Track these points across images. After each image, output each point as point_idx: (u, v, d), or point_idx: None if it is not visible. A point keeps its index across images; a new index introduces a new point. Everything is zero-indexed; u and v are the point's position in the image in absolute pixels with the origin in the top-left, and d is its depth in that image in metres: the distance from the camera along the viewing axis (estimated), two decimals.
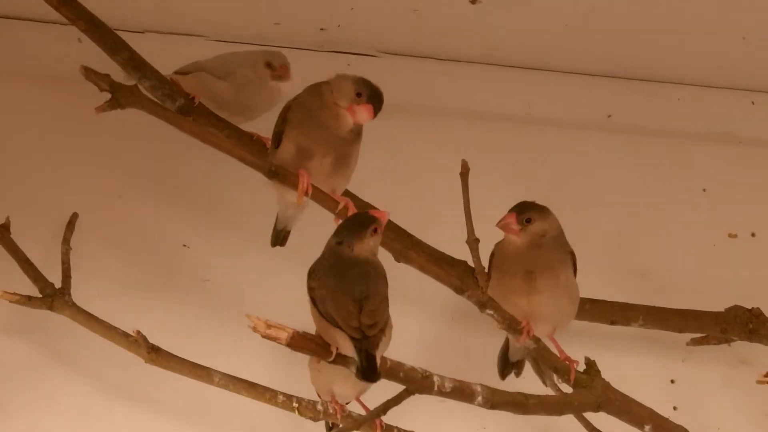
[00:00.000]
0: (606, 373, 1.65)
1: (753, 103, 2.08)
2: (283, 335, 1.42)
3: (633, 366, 1.91)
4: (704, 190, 2.06)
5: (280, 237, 1.72)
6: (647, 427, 1.66)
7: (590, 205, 1.97)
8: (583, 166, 2.03)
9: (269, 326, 1.41)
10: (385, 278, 1.50)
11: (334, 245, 1.50)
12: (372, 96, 1.57)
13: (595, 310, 1.82)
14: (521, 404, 1.57)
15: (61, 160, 1.86)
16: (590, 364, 1.65)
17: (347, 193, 1.67)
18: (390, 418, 1.58)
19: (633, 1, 1.78)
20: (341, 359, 1.46)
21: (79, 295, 1.72)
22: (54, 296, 1.71)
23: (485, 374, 1.71)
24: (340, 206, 1.61)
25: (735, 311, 1.86)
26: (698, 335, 1.89)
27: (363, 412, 1.64)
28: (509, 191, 1.95)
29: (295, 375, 1.70)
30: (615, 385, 1.65)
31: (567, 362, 1.64)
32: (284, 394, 1.65)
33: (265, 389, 1.66)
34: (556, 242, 1.66)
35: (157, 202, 1.88)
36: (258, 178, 1.59)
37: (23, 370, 1.78)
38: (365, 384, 1.60)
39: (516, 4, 1.79)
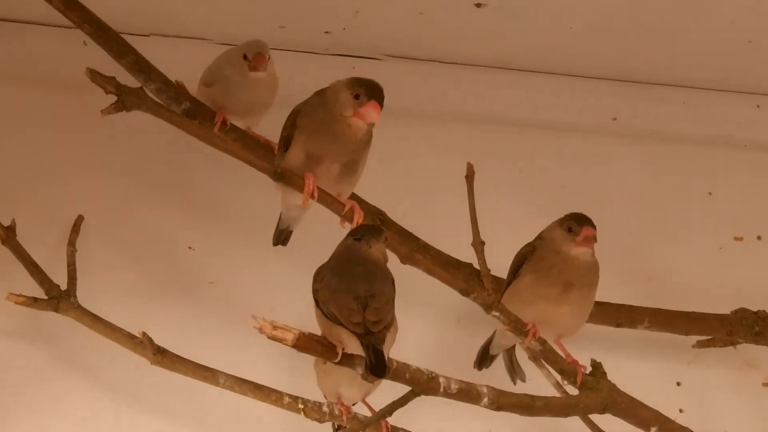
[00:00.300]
0: (612, 376, 1.64)
1: (759, 106, 2.07)
2: (289, 336, 1.42)
3: (639, 368, 1.90)
4: (710, 193, 2.06)
5: (281, 237, 1.72)
6: (653, 430, 1.66)
7: (596, 209, 1.95)
8: (588, 169, 2.03)
9: (275, 327, 1.41)
10: (393, 283, 1.50)
11: (351, 242, 1.51)
12: (369, 91, 1.54)
13: (602, 312, 1.82)
14: (527, 406, 1.57)
15: (66, 163, 1.87)
16: (596, 366, 1.64)
17: (353, 197, 1.67)
18: (396, 419, 1.58)
19: (638, 5, 1.77)
20: (347, 360, 1.46)
21: (84, 297, 1.72)
22: (60, 298, 1.71)
23: (491, 376, 1.71)
24: (346, 208, 1.60)
25: (741, 314, 1.86)
26: (704, 338, 1.89)
27: (369, 414, 1.64)
28: (515, 194, 1.96)
29: (301, 376, 1.70)
30: (621, 387, 1.65)
31: (574, 365, 1.64)
32: (290, 396, 1.66)
33: (271, 391, 1.66)
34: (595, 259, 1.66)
35: (162, 205, 1.88)
36: (263, 181, 1.59)
37: (29, 371, 1.78)
38: (371, 385, 1.60)
39: (521, 7, 1.79)
